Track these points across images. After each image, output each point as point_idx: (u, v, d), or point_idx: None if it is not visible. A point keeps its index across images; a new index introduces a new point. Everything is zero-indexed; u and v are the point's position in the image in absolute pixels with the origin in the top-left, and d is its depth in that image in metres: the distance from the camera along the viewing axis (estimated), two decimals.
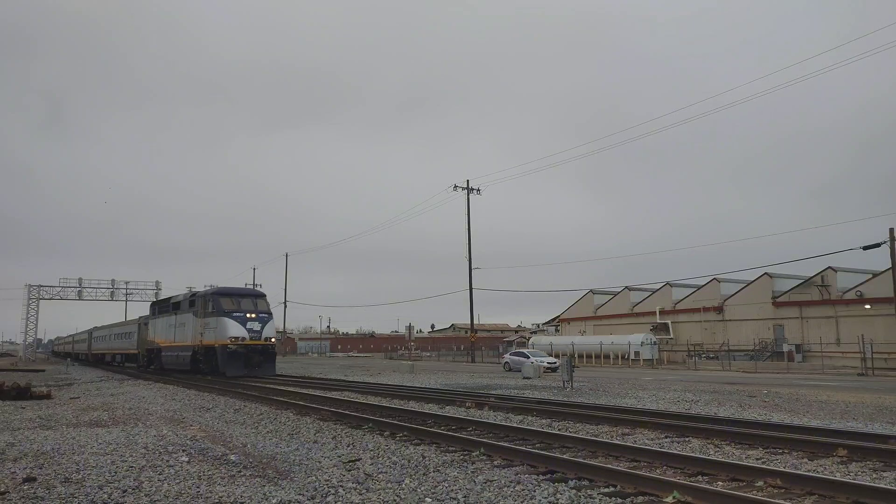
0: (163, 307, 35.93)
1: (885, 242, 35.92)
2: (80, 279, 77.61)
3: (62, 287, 77.39)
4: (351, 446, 9.61)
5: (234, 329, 27.43)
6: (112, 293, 79.63)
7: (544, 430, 10.90)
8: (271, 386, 22.64)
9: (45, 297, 78.51)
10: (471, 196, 57.59)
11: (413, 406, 15.63)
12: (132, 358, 42.58)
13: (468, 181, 57.32)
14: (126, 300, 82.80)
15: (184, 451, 9.22)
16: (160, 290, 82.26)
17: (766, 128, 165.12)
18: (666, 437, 10.34)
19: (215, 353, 27.73)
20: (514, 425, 11.39)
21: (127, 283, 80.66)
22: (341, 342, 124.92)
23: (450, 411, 14.39)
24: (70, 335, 79.96)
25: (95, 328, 59.02)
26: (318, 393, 19.93)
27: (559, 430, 11.17)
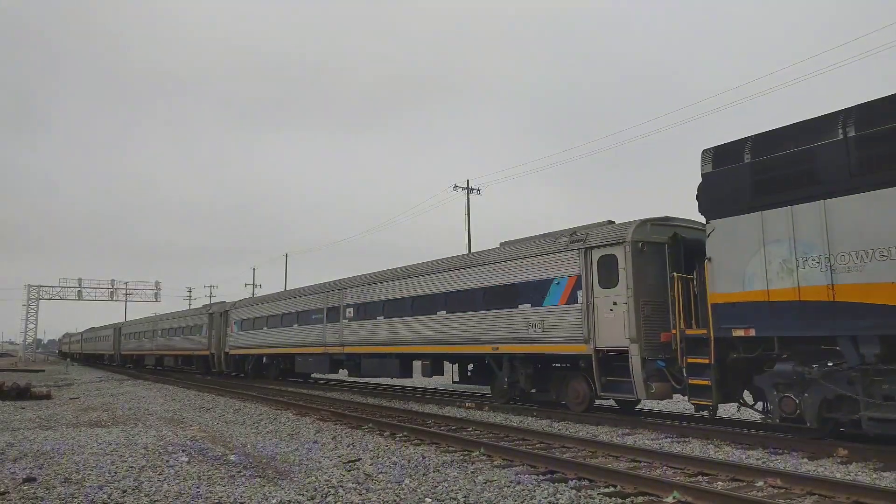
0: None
1: None
2: (79, 279, 77.52)
3: (62, 287, 77.31)
4: (351, 446, 9.61)
5: None
6: (112, 293, 79.59)
7: (544, 430, 10.92)
8: (272, 386, 22.63)
9: (45, 297, 78.47)
10: (470, 196, 57.61)
11: (413, 406, 15.64)
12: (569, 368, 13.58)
13: (468, 181, 57.33)
14: (126, 300, 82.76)
15: (183, 451, 9.22)
16: (160, 289, 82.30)
17: (746, 124, 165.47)
18: (666, 437, 10.34)
19: None
20: (514, 425, 11.40)
21: (126, 283, 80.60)
22: None
23: (450, 411, 14.39)
24: (106, 325, 57.69)
25: (239, 302, 29.89)
26: (317, 393, 19.94)
27: (559, 430, 11.18)
